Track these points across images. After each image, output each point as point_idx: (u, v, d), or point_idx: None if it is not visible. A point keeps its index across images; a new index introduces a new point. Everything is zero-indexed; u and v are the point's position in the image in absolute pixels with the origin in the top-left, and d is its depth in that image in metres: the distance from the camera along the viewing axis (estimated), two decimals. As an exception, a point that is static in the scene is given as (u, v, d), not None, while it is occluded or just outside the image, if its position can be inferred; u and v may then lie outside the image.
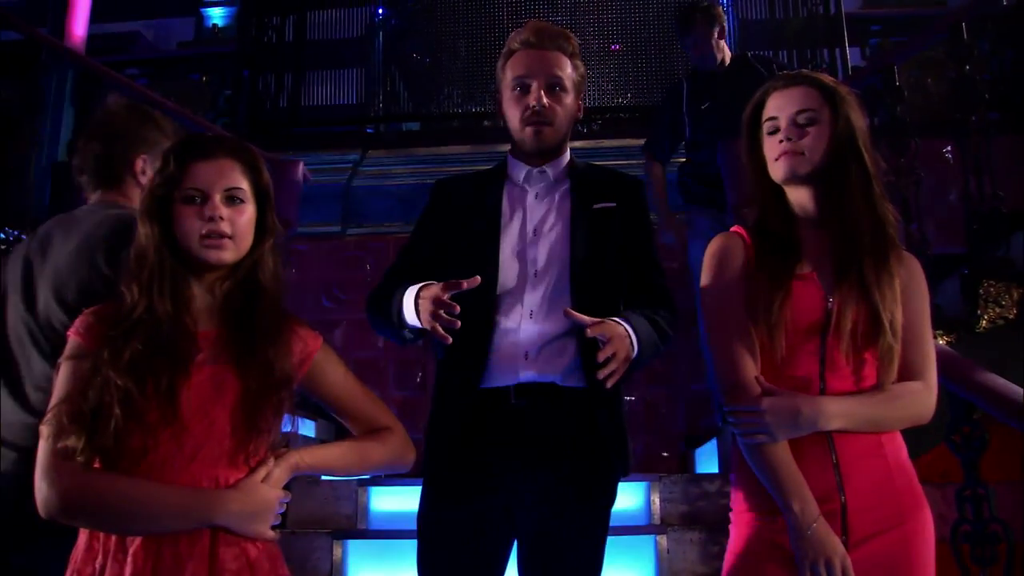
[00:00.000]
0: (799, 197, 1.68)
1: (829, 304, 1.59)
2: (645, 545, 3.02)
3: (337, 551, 3.06)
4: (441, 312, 1.65)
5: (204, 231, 1.48)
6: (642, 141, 4.46)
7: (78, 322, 1.48)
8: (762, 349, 1.61)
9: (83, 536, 1.42)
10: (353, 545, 3.09)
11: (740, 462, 1.63)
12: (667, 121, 4.21)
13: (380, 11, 6.14)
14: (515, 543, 1.84)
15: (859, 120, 1.67)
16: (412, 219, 3.27)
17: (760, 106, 1.72)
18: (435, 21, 6.18)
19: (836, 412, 1.55)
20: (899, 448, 1.61)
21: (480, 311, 1.80)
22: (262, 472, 1.45)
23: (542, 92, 1.87)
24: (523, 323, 1.81)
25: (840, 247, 1.62)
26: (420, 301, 1.71)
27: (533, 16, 5.83)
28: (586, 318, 1.66)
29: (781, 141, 1.65)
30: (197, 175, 1.50)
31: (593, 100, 5.76)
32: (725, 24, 4.11)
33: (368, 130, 5.73)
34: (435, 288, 1.67)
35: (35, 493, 1.37)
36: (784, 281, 1.60)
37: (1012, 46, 4.07)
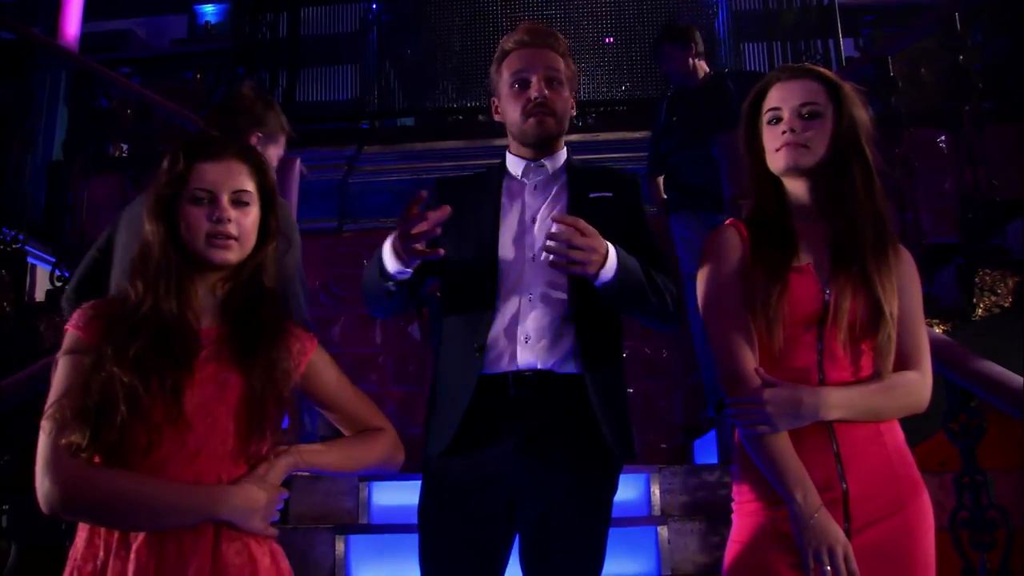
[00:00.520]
0: (797, 189, 1.69)
1: (826, 296, 1.61)
2: (646, 536, 3.03)
3: (339, 546, 3.07)
4: (415, 240, 1.66)
5: (211, 231, 1.49)
6: (637, 134, 4.49)
7: (76, 316, 1.48)
8: (760, 341, 1.62)
9: (83, 532, 1.43)
10: (355, 540, 3.10)
11: (742, 452, 1.64)
12: (654, 137, 4.40)
13: (373, 7, 6.13)
14: (516, 535, 1.86)
15: (862, 116, 1.68)
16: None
17: (761, 96, 1.72)
18: (429, 16, 6.18)
19: (836, 402, 1.56)
20: (898, 436, 1.63)
21: (479, 297, 1.84)
22: (263, 469, 1.47)
23: (542, 84, 1.91)
24: (522, 307, 1.83)
25: (843, 241, 1.63)
26: (395, 241, 1.72)
27: (527, 9, 5.84)
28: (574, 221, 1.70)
29: (784, 132, 1.65)
30: (205, 176, 1.51)
31: (588, 93, 5.77)
32: (700, 44, 4.24)
33: (363, 126, 5.74)
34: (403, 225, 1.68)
35: (36, 488, 1.37)
36: (781, 274, 1.61)
37: (1005, 35, 4.08)
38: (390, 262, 1.74)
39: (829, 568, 1.47)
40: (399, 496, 3.28)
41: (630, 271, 1.76)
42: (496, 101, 2.02)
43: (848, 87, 1.69)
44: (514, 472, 1.79)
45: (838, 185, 1.65)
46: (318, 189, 5.01)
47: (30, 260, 3.85)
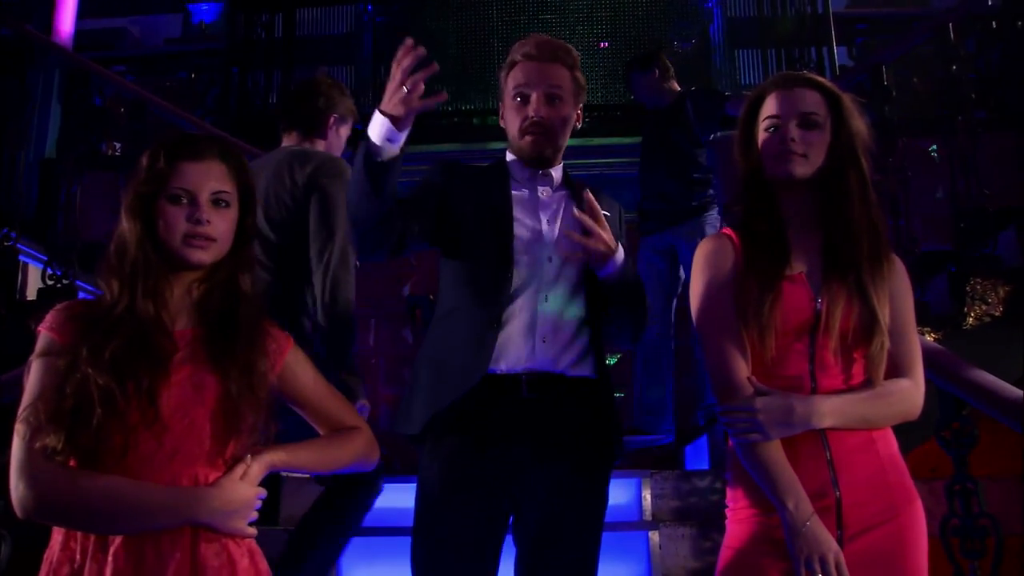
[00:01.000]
0: (792, 198, 1.69)
1: (818, 304, 1.61)
2: (637, 541, 3.03)
3: (330, 548, 3.05)
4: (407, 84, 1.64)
5: (188, 232, 1.48)
6: (630, 139, 4.52)
7: (49, 318, 1.47)
8: (752, 349, 1.62)
9: (58, 535, 1.41)
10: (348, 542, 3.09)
11: (735, 459, 1.64)
12: None
13: (368, 8, 6.13)
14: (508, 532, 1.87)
15: (860, 127, 1.69)
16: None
17: (758, 102, 1.72)
18: (424, 19, 6.18)
19: (828, 410, 1.57)
20: (891, 444, 1.63)
21: (494, 295, 1.84)
22: (240, 470, 1.46)
23: (541, 103, 1.92)
24: (540, 306, 1.85)
25: (837, 250, 1.64)
26: (389, 98, 1.68)
27: (523, 13, 5.85)
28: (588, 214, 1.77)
29: (782, 140, 1.65)
30: (185, 175, 1.50)
31: (582, 98, 5.77)
32: (670, 68, 4.30)
33: (357, 127, 5.72)
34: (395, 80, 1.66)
35: (11, 492, 1.36)
36: (773, 283, 1.62)
37: (999, 45, 4.11)
38: (379, 130, 1.69)
39: None
40: (392, 499, 3.25)
41: (629, 269, 1.85)
42: (501, 107, 2.04)
43: (847, 98, 1.70)
44: (523, 476, 1.81)
45: (835, 195, 1.66)
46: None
47: (22, 258, 3.83)
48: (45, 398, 1.38)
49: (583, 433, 1.84)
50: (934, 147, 4.29)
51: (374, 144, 1.70)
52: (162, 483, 1.39)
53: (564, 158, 2.05)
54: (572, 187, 2.01)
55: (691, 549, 3.03)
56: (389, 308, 5.42)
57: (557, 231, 1.92)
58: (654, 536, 3.02)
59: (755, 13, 5.77)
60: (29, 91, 4.34)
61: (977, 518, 2.18)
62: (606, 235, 1.77)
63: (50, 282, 3.65)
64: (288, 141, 2.82)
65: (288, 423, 1.59)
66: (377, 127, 1.69)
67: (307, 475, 3.47)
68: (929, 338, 3.06)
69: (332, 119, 2.82)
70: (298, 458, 1.59)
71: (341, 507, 2.53)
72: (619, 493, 3.23)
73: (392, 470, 3.56)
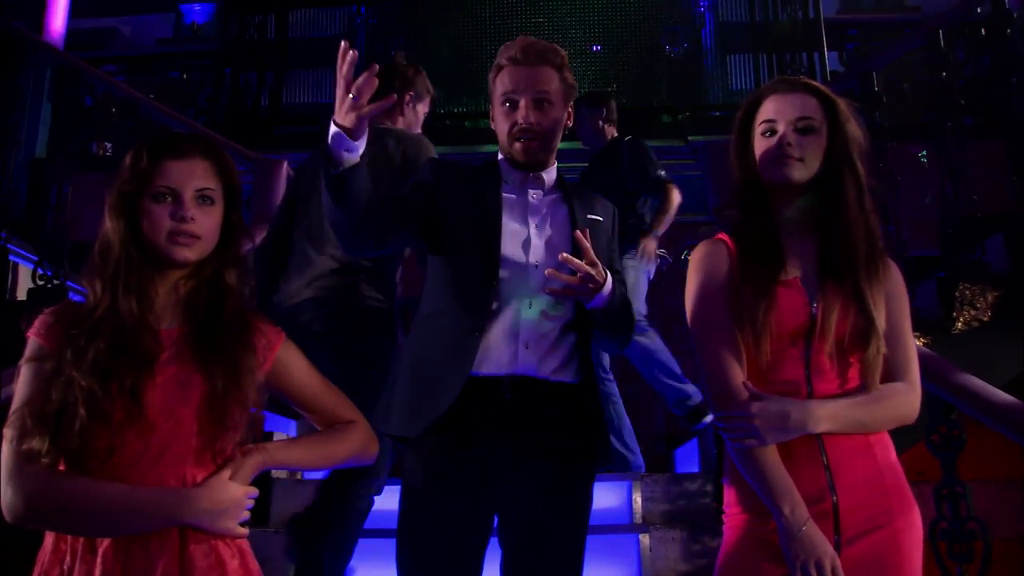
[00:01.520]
0: (787, 202, 1.69)
1: (813, 309, 1.62)
2: (627, 544, 3.04)
3: (321, 550, 3.05)
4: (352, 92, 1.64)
5: (173, 229, 1.47)
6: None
7: (38, 323, 1.46)
8: (748, 355, 1.62)
9: (49, 537, 1.41)
10: (337, 544, 3.08)
11: (732, 464, 1.64)
12: None
13: (361, 10, 6.13)
14: (492, 536, 1.86)
15: (855, 132, 1.69)
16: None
17: (755, 106, 1.72)
18: (416, 21, 6.18)
19: (824, 415, 1.57)
20: (887, 448, 1.64)
21: (479, 298, 1.84)
22: (229, 469, 1.45)
23: (529, 108, 1.91)
24: (523, 313, 1.85)
25: (834, 255, 1.64)
26: (338, 111, 1.68)
27: (515, 16, 5.86)
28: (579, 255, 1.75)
29: (779, 145, 1.66)
30: (169, 174, 1.49)
31: (573, 101, 5.78)
32: (614, 112, 4.33)
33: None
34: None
35: (1, 498, 1.36)
36: (768, 288, 1.62)
37: (988, 52, 4.13)
38: (335, 141, 1.69)
39: None
40: (384, 500, 3.26)
41: (617, 298, 1.84)
42: (491, 110, 2.04)
43: (843, 103, 1.70)
44: (505, 477, 1.81)
45: (831, 199, 1.66)
46: (303, 192, 4.98)
47: (12, 258, 3.81)
48: (31, 402, 1.38)
49: (565, 437, 1.84)
50: (923, 153, 4.31)
51: (333, 156, 1.71)
52: (150, 484, 1.39)
53: (557, 162, 2.05)
54: (565, 189, 2.01)
55: (681, 552, 3.03)
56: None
57: (546, 236, 1.92)
58: (644, 539, 3.03)
59: (747, 18, 5.80)
60: (19, 90, 4.32)
61: (965, 521, 2.20)
62: (595, 271, 1.75)
63: (40, 282, 3.63)
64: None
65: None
66: (333, 138, 1.70)
67: (300, 475, 3.47)
68: (918, 343, 3.08)
69: (408, 97, 3.03)
70: (291, 455, 1.59)
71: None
72: (610, 496, 3.24)
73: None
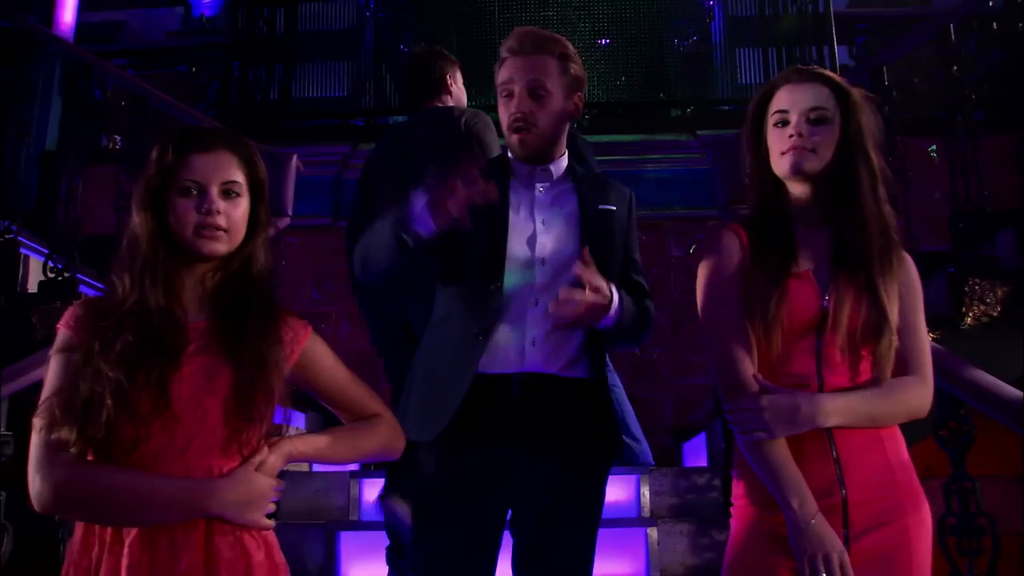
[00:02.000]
0: (800, 193, 1.68)
1: (825, 302, 1.60)
2: (636, 537, 3.05)
3: (329, 542, 3.07)
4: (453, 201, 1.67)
5: (200, 223, 1.48)
6: (632, 136, 4.50)
7: (67, 315, 1.48)
8: (759, 347, 1.62)
9: (79, 529, 1.43)
10: (345, 536, 3.11)
11: (741, 457, 1.64)
12: None
13: (370, 4, 6.13)
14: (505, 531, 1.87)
15: (870, 122, 1.67)
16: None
17: (768, 97, 1.70)
18: (425, 15, 6.18)
19: (834, 409, 1.56)
20: (898, 443, 1.63)
21: (486, 296, 1.84)
22: (256, 460, 1.46)
23: (524, 98, 1.89)
24: (529, 310, 1.84)
25: (848, 247, 1.63)
26: (432, 199, 1.70)
27: (524, 10, 5.85)
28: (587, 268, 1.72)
29: (791, 135, 1.64)
30: (195, 167, 1.50)
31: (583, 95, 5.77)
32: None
33: (358, 123, 5.73)
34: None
35: (28, 486, 1.37)
36: (780, 280, 1.61)
37: (999, 46, 4.11)
38: (417, 220, 1.71)
39: (825, 575, 1.47)
40: (390, 493, 3.28)
41: (626, 311, 1.82)
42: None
43: (857, 93, 1.68)
44: (517, 474, 1.81)
45: (845, 191, 1.64)
46: (313, 185, 4.99)
47: (23, 251, 3.83)
48: (60, 393, 1.39)
49: (577, 432, 1.84)
50: (934, 147, 4.30)
51: (408, 222, 1.73)
52: (176, 475, 1.40)
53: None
54: (577, 178, 1.98)
55: (689, 545, 3.04)
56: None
57: (553, 231, 1.90)
58: (652, 533, 3.04)
59: (756, 12, 5.77)
60: (30, 84, 4.34)
61: (974, 517, 2.20)
62: (599, 296, 1.73)
63: (51, 275, 3.65)
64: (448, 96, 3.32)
65: None
66: (420, 214, 1.72)
67: (309, 467, 3.49)
68: (928, 338, 3.07)
69: (447, 76, 3.23)
70: (319, 448, 1.58)
71: None
72: (618, 490, 3.25)
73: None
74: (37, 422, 1.39)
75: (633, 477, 3.30)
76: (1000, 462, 2.76)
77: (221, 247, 1.50)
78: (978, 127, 3.46)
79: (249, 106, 5.59)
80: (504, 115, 1.93)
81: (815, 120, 1.64)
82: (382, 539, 3.03)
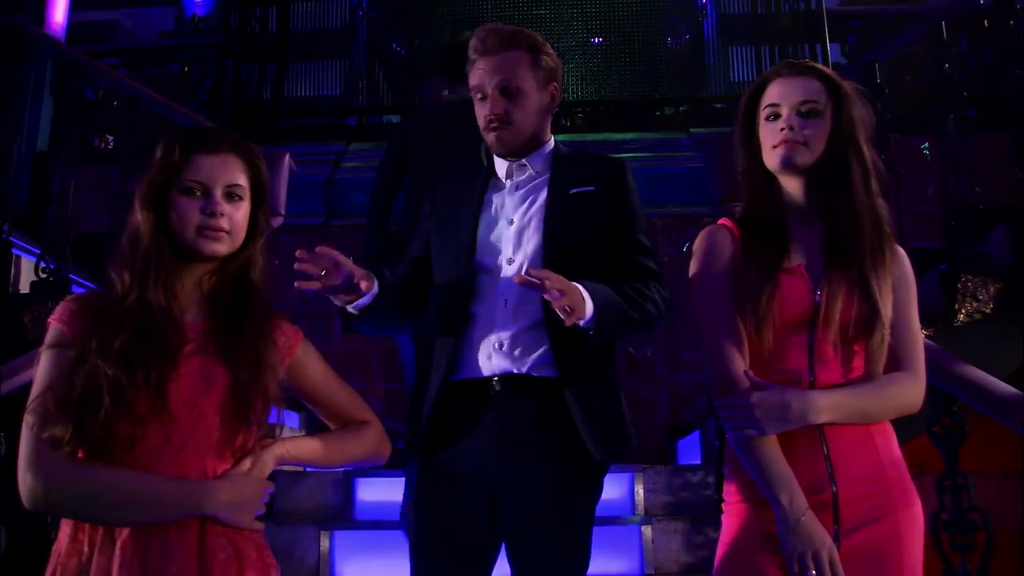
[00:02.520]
0: (792, 187, 1.67)
1: (816, 297, 1.60)
2: (630, 535, 3.05)
3: (324, 541, 3.07)
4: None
5: (202, 224, 1.48)
6: (625, 134, 4.50)
7: (59, 309, 1.47)
8: (750, 343, 1.61)
9: (67, 527, 1.42)
10: (340, 535, 3.10)
11: (732, 453, 1.63)
12: None
13: (363, 3, 6.12)
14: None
15: (862, 115, 1.66)
16: (395, 211, 3.29)
17: (760, 91, 1.70)
18: (418, 14, 6.17)
19: (825, 405, 1.55)
20: (889, 439, 1.62)
21: (456, 301, 1.84)
22: (248, 462, 1.46)
23: (496, 98, 1.87)
24: (498, 312, 1.82)
25: (840, 241, 1.62)
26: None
27: (517, 8, 5.85)
28: (543, 274, 1.62)
29: (782, 129, 1.63)
30: (200, 168, 1.50)
31: (575, 93, 5.79)
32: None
33: (351, 122, 5.72)
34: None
35: (19, 484, 1.36)
36: (771, 275, 1.60)
37: (991, 44, 4.13)
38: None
39: (814, 572, 1.47)
40: (384, 492, 3.28)
41: (607, 304, 1.72)
42: None
43: (848, 86, 1.67)
44: (494, 469, 1.79)
45: (836, 185, 1.63)
46: (305, 184, 4.99)
47: (14, 251, 3.82)
48: (54, 389, 1.38)
49: (555, 433, 1.79)
50: (926, 145, 4.31)
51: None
52: (171, 475, 1.39)
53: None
54: (559, 165, 1.94)
55: (683, 543, 3.05)
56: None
57: (520, 228, 1.88)
58: (646, 530, 3.04)
59: (749, 10, 5.78)
60: (21, 83, 4.32)
61: (967, 513, 2.20)
62: (564, 301, 1.61)
63: (43, 275, 3.63)
64: (446, 93, 3.48)
65: None
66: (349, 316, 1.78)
67: (303, 468, 3.48)
68: (921, 333, 3.08)
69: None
70: (308, 452, 1.59)
71: None
72: (612, 488, 3.24)
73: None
74: (29, 418, 1.37)
75: (627, 475, 3.30)
76: (994, 458, 2.77)
77: (222, 248, 1.51)
78: (970, 124, 3.48)
79: (242, 105, 5.58)
80: (480, 116, 1.92)
81: (806, 113, 1.64)
82: (377, 538, 3.03)
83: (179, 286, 1.50)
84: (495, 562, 1.85)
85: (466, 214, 1.91)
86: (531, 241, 1.86)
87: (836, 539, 1.52)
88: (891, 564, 1.54)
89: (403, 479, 2.97)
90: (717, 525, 1.68)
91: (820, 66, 1.71)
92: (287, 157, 3.84)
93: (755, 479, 1.56)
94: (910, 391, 1.62)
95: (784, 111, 1.64)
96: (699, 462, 3.68)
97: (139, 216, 1.49)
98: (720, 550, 1.63)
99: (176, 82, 6.13)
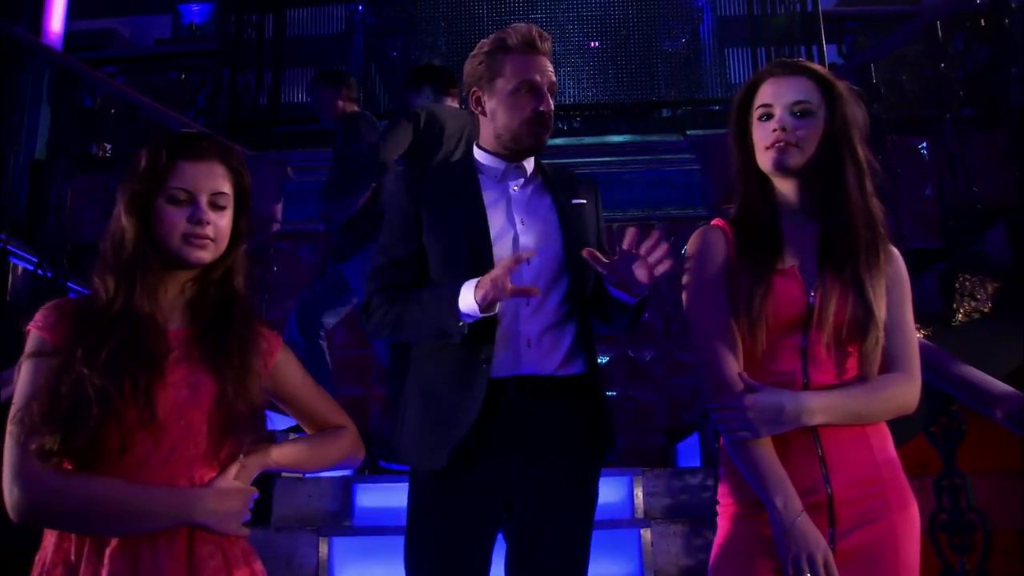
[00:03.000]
0: (786, 188, 1.66)
1: (810, 298, 1.59)
2: (629, 538, 3.04)
3: (323, 547, 3.06)
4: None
5: (188, 231, 1.47)
6: (621, 137, 4.51)
7: (39, 317, 1.45)
8: (744, 344, 1.60)
9: (51, 536, 1.40)
10: (338, 541, 3.10)
11: (727, 456, 1.62)
12: None
13: (359, 8, 6.13)
14: (499, 533, 1.86)
15: (855, 115, 1.64)
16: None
17: (753, 91, 1.68)
18: (414, 19, 6.18)
19: (818, 407, 1.54)
20: (885, 440, 1.61)
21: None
22: (234, 470, 1.46)
23: (549, 96, 1.90)
24: (522, 310, 1.83)
25: (835, 242, 1.61)
26: (484, 283, 1.72)
27: (513, 13, 5.86)
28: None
29: (775, 130, 1.62)
30: (185, 175, 1.49)
31: (573, 97, 5.79)
32: (354, 90, 4.52)
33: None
34: (498, 270, 1.71)
35: (5, 496, 1.34)
36: (765, 276, 1.59)
37: (987, 43, 4.13)
38: (468, 305, 1.74)
39: (809, 575, 1.46)
40: (383, 498, 3.28)
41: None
42: (479, 92, 1.97)
43: (842, 85, 1.65)
44: (515, 478, 1.80)
45: (831, 185, 1.62)
46: (303, 191, 4.99)
47: (11, 259, 3.82)
48: (39, 399, 1.36)
49: (573, 430, 1.83)
50: (923, 145, 4.31)
51: (460, 312, 1.75)
52: (159, 483, 1.39)
53: (556, 158, 2.05)
54: (545, 174, 1.99)
55: (683, 546, 3.04)
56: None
57: (533, 230, 1.89)
58: (646, 534, 3.04)
59: (745, 11, 5.79)
60: (18, 92, 4.32)
61: (965, 513, 2.20)
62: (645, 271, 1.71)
63: (39, 283, 3.63)
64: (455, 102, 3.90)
65: None
66: (468, 302, 1.74)
67: (302, 475, 3.48)
68: (918, 335, 3.08)
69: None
70: (289, 457, 1.60)
71: None
72: (611, 491, 3.24)
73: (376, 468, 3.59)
74: (13, 429, 1.35)
75: (626, 478, 3.29)
76: (994, 458, 2.76)
77: (207, 256, 1.50)
78: (967, 124, 3.47)
79: (239, 112, 5.60)
80: (522, 110, 1.89)
81: (799, 113, 1.62)
82: (376, 544, 3.03)
83: (162, 293, 1.49)
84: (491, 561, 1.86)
85: (468, 206, 1.90)
86: (546, 242, 1.87)
87: (831, 541, 1.51)
88: (887, 565, 1.53)
89: (401, 484, 2.95)
90: (716, 528, 1.68)
91: (813, 65, 1.70)
92: (284, 164, 3.85)
93: (749, 481, 1.55)
94: (905, 392, 1.61)
95: (777, 111, 1.63)
96: (699, 464, 3.67)
97: (123, 222, 1.47)
98: (715, 552, 1.62)
99: (174, 90, 6.14)
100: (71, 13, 5.43)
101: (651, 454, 4.51)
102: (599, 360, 4.51)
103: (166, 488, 1.39)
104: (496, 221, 1.89)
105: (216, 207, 1.50)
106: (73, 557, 1.37)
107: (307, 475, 3.45)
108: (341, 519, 3.30)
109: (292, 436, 3.56)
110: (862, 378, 1.60)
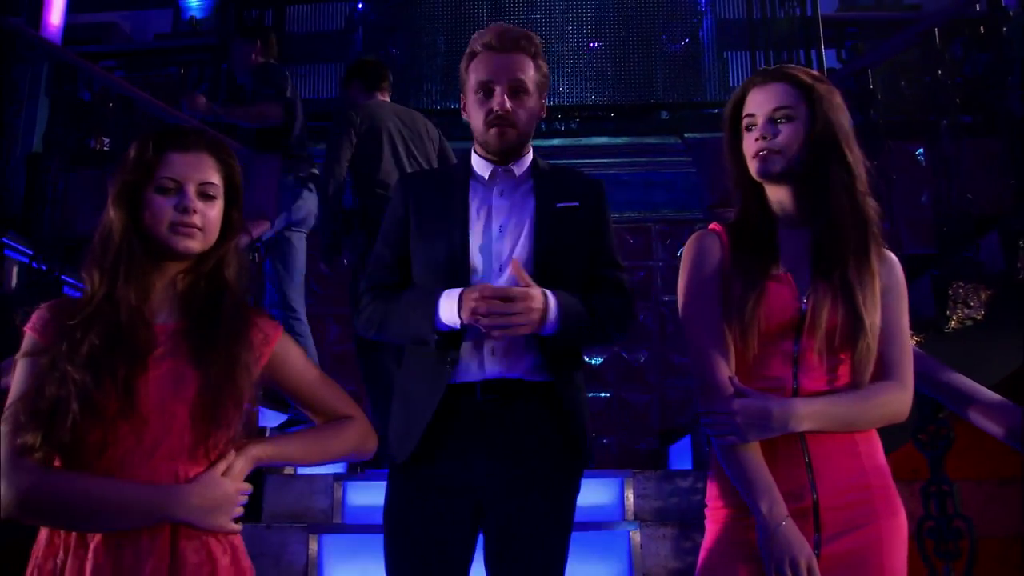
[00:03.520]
0: (778, 195, 1.66)
1: (803, 305, 1.59)
2: (619, 540, 3.04)
3: (313, 545, 3.06)
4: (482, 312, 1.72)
5: (175, 220, 1.47)
6: (621, 139, 4.52)
7: (34, 318, 1.47)
8: (736, 349, 1.60)
9: (43, 532, 1.42)
10: (328, 539, 3.10)
11: (715, 459, 1.63)
12: None
13: (359, 6, 6.13)
14: (480, 536, 1.87)
15: (840, 117, 1.64)
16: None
17: (740, 101, 1.69)
18: (414, 17, 6.18)
19: (807, 414, 1.54)
20: (874, 447, 1.61)
21: None
22: (222, 465, 1.46)
23: (505, 95, 1.87)
24: None
25: (824, 247, 1.61)
26: (466, 301, 1.75)
27: (512, 13, 5.85)
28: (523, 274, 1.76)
29: (757, 139, 1.63)
30: (173, 165, 1.50)
31: (572, 98, 5.79)
32: (274, 48, 4.58)
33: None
34: (484, 290, 1.74)
35: None
36: (757, 281, 1.59)
37: (984, 50, 4.14)
38: (449, 316, 1.77)
39: None
40: (374, 496, 3.26)
41: (571, 315, 1.81)
42: (464, 100, 1.98)
43: (822, 87, 1.64)
44: (484, 478, 1.80)
45: (818, 189, 1.61)
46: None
47: (7, 253, 3.82)
48: (26, 398, 1.38)
49: (544, 432, 1.83)
50: (920, 151, 4.31)
51: (441, 320, 1.79)
52: (142, 479, 1.39)
53: (553, 158, 2.03)
54: (539, 176, 1.96)
55: (672, 549, 3.04)
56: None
57: (510, 237, 1.88)
58: (635, 535, 3.04)
59: (744, 15, 5.79)
60: (16, 85, 4.32)
61: (952, 520, 2.20)
62: (525, 304, 1.74)
63: (35, 277, 3.64)
64: (386, 97, 3.98)
65: None
66: (450, 312, 1.78)
67: (294, 471, 3.48)
68: (911, 341, 3.08)
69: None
70: (286, 451, 1.59)
71: None
72: (602, 492, 3.25)
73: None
74: (2, 427, 1.38)
75: (617, 480, 3.29)
76: (987, 466, 2.77)
77: (195, 245, 1.50)
78: (963, 131, 3.48)
79: (237, 108, 5.57)
80: (481, 111, 1.89)
81: (780, 119, 1.62)
82: (366, 542, 3.03)
83: (151, 286, 1.49)
84: (471, 564, 1.86)
85: (454, 212, 1.90)
86: (523, 249, 1.87)
87: (817, 546, 1.51)
88: (872, 572, 1.53)
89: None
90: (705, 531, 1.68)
91: (793, 70, 1.69)
92: (279, 160, 3.85)
93: (736, 485, 1.56)
94: (896, 400, 1.61)
95: (759, 120, 1.64)
96: (690, 468, 3.68)
97: (111, 214, 1.49)
98: (701, 555, 1.64)
99: (174, 84, 6.14)
100: (72, 6, 5.44)
101: (643, 456, 4.52)
102: (593, 362, 4.52)
103: (146, 485, 1.39)
104: (476, 229, 1.89)
105: (205, 197, 1.51)
106: (62, 552, 1.38)
107: (299, 471, 3.46)
108: (332, 517, 3.30)
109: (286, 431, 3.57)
110: (854, 385, 1.59)
